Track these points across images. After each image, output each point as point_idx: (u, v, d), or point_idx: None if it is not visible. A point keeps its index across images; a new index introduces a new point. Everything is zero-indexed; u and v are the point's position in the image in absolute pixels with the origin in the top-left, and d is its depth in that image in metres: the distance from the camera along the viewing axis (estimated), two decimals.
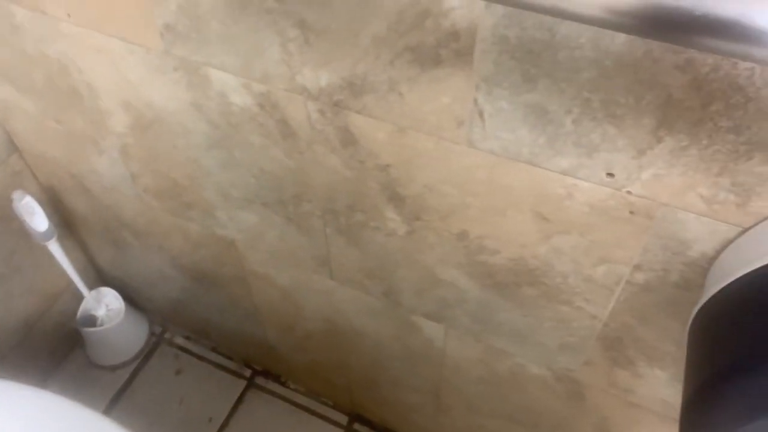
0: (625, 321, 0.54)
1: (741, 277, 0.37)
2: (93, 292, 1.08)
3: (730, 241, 0.42)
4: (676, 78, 0.35)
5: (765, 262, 0.36)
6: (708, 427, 0.36)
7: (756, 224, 0.40)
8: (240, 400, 1.10)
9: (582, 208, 0.46)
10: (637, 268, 0.48)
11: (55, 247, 0.91)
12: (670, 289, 0.49)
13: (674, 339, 0.53)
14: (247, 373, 1.13)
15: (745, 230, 0.40)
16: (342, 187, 0.58)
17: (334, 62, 0.46)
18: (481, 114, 0.43)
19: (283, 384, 1.12)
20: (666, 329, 0.52)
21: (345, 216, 0.62)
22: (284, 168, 0.59)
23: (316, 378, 1.05)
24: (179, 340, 1.17)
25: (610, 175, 0.42)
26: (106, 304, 1.10)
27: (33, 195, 0.86)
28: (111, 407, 1.10)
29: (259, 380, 1.12)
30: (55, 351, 1.13)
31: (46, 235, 0.88)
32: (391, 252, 0.63)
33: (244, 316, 0.98)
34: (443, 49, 0.40)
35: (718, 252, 0.43)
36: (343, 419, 1.08)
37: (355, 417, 1.08)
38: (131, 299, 1.14)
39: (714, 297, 0.39)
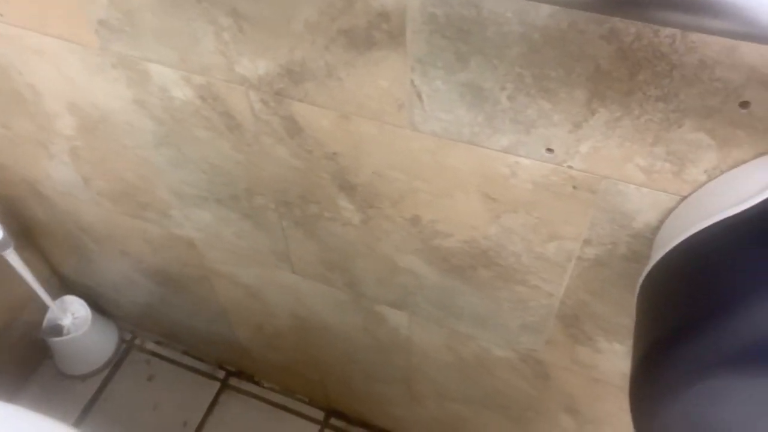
0: (580, 297, 0.55)
1: (678, 244, 0.37)
2: (57, 302, 1.06)
3: (671, 210, 0.42)
4: (602, 48, 0.35)
5: (700, 228, 0.36)
6: (652, 398, 0.36)
7: (693, 192, 0.40)
8: (214, 402, 1.09)
9: (526, 185, 0.46)
10: (587, 243, 0.49)
11: (13, 257, 0.89)
12: (620, 263, 0.49)
13: (628, 312, 0.53)
14: (221, 374, 1.12)
15: (684, 198, 0.41)
16: (293, 178, 0.57)
17: (271, 50, 0.45)
18: (419, 95, 0.43)
19: (257, 383, 1.11)
20: (620, 303, 0.53)
21: (299, 208, 0.61)
22: (233, 161, 0.59)
23: (290, 375, 1.04)
24: (150, 345, 1.16)
25: (550, 150, 0.42)
26: (72, 313, 1.08)
27: None
28: (84, 417, 1.08)
29: (233, 381, 1.11)
30: (23, 364, 1.11)
31: (2, 245, 0.86)
32: (349, 242, 0.63)
33: (213, 317, 0.97)
34: (375, 31, 0.40)
35: (661, 222, 0.43)
36: (320, 415, 1.08)
37: (332, 412, 1.08)
38: (98, 306, 1.13)
39: (655, 266, 0.39)
